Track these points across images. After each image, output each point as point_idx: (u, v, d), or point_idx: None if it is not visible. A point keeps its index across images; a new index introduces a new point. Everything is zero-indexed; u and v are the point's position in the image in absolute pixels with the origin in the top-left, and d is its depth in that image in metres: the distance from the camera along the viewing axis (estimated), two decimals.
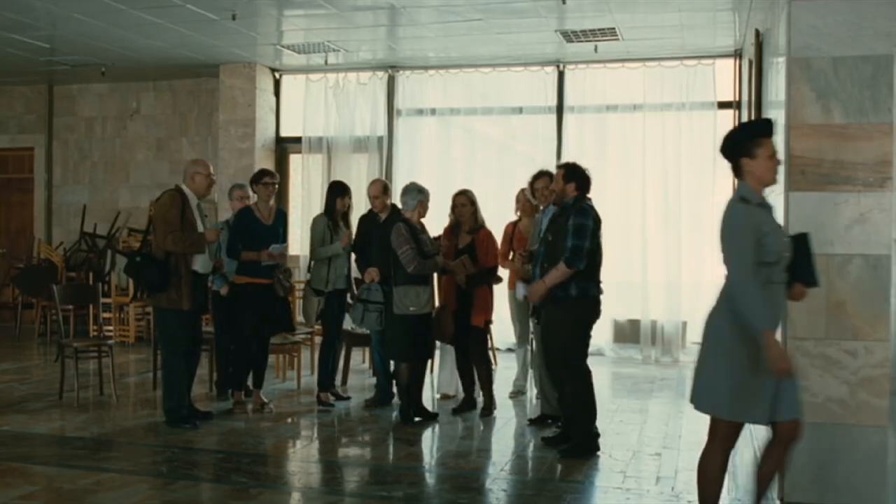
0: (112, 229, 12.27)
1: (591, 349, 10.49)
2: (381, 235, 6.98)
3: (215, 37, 9.84)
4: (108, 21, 9.12)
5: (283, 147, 11.96)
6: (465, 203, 7.23)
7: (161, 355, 7.03)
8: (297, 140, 11.68)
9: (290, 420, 7.03)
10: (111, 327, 10.81)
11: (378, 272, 6.96)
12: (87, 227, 12.40)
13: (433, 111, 11.33)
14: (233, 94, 11.44)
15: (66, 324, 10.16)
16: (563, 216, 5.98)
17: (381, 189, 7.37)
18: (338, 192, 7.44)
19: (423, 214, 6.91)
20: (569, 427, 6.10)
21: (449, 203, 7.35)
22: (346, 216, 7.49)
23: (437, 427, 6.73)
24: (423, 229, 6.88)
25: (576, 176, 6.08)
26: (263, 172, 7.49)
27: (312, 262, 7.51)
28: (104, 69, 11.34)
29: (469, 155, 11.29)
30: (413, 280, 6.65)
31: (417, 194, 6.84)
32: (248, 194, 7.63)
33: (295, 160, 11.92)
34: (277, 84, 11.87)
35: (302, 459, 6.00)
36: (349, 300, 7.51)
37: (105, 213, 12.54)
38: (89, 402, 7.59)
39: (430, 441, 6.40)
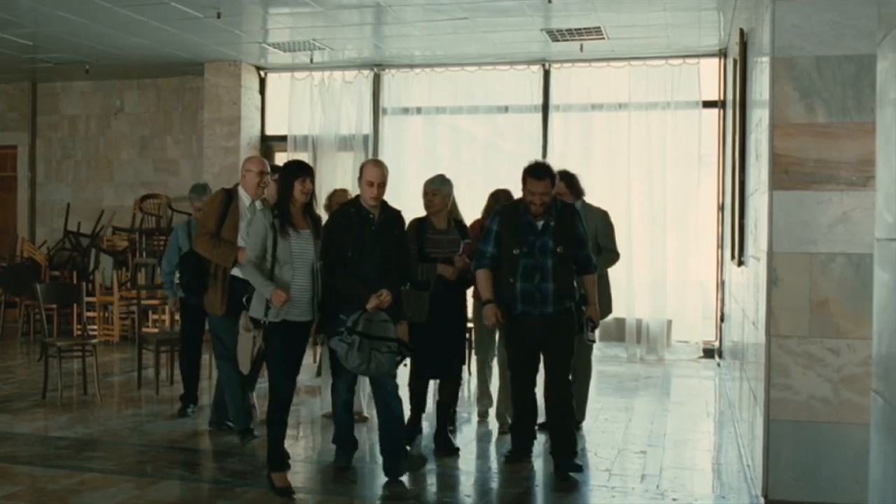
0: (96, 228, 12.21)
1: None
2: (381, 239, 5.30)
3: (200, 35, 9.81)
4: (92, 19, 9.07)
5: (269, 145, 11.94)
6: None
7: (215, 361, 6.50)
8: (283, 138, 11.66)
9: None
10: (95, 326, 10.76)
11: (389, 295, 5.16)
12: (70, 226, 12.34)
13: (419, 110, 11.33)
14: (218, 93, 11.40)
15: (50, 323, 10.12)
16: (564, 223, 5.45)
17: (386, 175, 5.35)
18: (296, 172, 5.21)
19: (433, 207, 5.97)
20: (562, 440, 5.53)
21: None
22: (310, 208, 5.30)
23: (423, 427, 6.71)
24: (444, 230, 6.00)
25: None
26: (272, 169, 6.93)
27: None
28: (88, 67, 11.27)
29: (455, 154, 11.30)
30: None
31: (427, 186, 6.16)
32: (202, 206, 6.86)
33: (280, 158, 11.86)
34: (263, 82, 11.84)
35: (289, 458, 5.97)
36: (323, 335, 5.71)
37: (89, 211, 12.47)
38: (73, 401, 7.55)
39: (417, 442, 6.38)
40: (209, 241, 6.01)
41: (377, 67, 11.32)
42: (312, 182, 5.25)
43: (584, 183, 6.64)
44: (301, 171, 5.21)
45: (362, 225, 5.27)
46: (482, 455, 6.12)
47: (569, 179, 6.42)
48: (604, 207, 6.71)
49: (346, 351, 5.06)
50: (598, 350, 10.43)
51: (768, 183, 4.65)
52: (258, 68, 11.68)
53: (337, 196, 6.99)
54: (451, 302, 5.94)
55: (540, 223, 5.41)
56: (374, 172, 5.31)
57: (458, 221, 6.14)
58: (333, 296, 5.20)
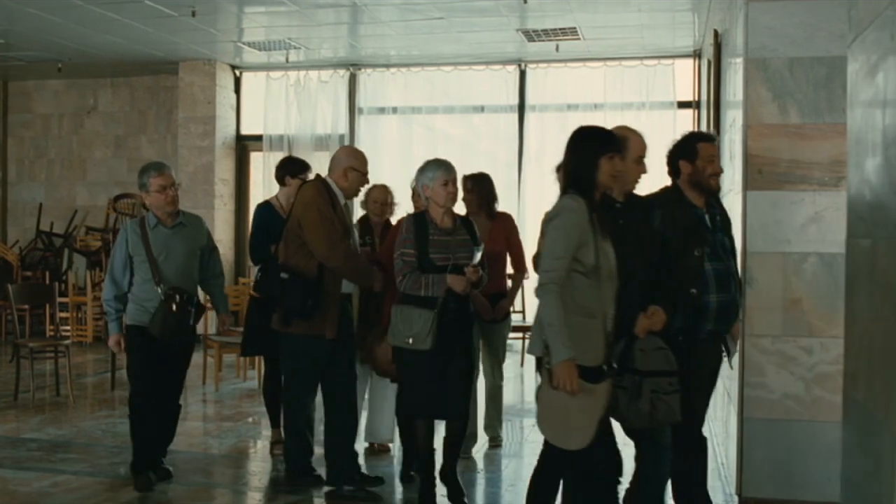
0: (69, 228, 12.11)
1: None
2: (634, 238, 3.89)
3: (174, 33, 9.74)
4: (65, 16, 8.98)
5: (244, 145, 11.87)
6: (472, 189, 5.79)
7: (283, 393, 5.28)
8: (258, 138, 11.61)
9: (250, 420, 6.97)
10: (68, 327, 10.65)
11: (663, 313, 3.82)
12: (43, 226, 12.22)
13: (395, 109, 11.33)
14: (192, 92, 11.33)
15: (22, 324, 10.00)
16: (725, 215, 4.34)
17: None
18: (604, 144, 3.67)
19: (444, 202, 4.63)
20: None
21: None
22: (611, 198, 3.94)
23: None
24: (450, 229, 4.65)
25: None
26: (305, 165, 6.05)
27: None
28: (61, 65, 11.16)
29: (431, 153, 11.08)
30: (412, 298, 4.53)
31: (419, 176, 4.79)
32: (168, 181, 5.05)
33: (255, 158, 11.85)
34: (238, 81, 11.77)
35: (262, 459, 5.95)
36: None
37: (62, 211, 12.36)
38: (45, 402, 7.48)
39: (395, 442, 6.38)
40: (354, 257, 4.93)
41: (353, 67, 11.30)
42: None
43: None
44: (611, 144, 3.67)
45: (606, 220, 3.72)
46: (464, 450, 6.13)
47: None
48: None
49: (626, 400, 3.73)
50: None
51: (742, 183, 4.68)
52: (233, 67, 11.62)
53: (374, 194, 5.91)
54: (460, 323, 4.62)
55: (706, 216, 4.18)
56: (643, 145, 4.08)
57: (465, 218, 4.85)
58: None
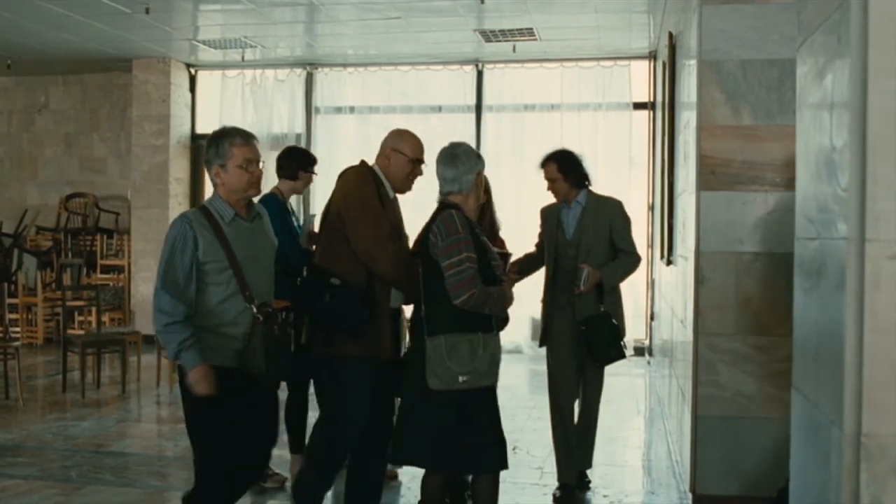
0: (19, 227, 11.88)
1: (510, 346, 10.52)
2: None
3: (128, 30, 9.61)
4: (14, 11, 8.82)
5: (199, 144, 11.73)
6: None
7: (324, 431, 4.00)
8: None
9: None
10: (18, 328, 10.47)
11: None
12: None
13: (352, 109, 11.30)
14: (146, 90, 11.20)
15: None
16: None
17: None
18: None
19: (480, 198, 3.95)
20: None
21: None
22: None
23: None
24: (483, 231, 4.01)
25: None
26: (314, 158, 5.43)
27: None
28: (10, 62, 10.96)
29: None
30: (465, 322, 3.56)
31: (467, 161, 3.95)
32: (256, 155, 3.57)
33: None
34: (193, 80, 11.66)
35: None
36: None
37: (11, 210, 12.12)
38: None
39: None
40: (405, 262, 3.89)
41: (310, 66, 11.24)
42: None
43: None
44: None
45: None
46: None
47: (567, 161, 5.07)
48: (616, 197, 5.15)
49: None
50: (530, 349, 10.56)
51: (696, 183, 4.74)
52: (188, 65, 11.50)
53: None
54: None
55: None
56: None
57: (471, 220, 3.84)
58: None
